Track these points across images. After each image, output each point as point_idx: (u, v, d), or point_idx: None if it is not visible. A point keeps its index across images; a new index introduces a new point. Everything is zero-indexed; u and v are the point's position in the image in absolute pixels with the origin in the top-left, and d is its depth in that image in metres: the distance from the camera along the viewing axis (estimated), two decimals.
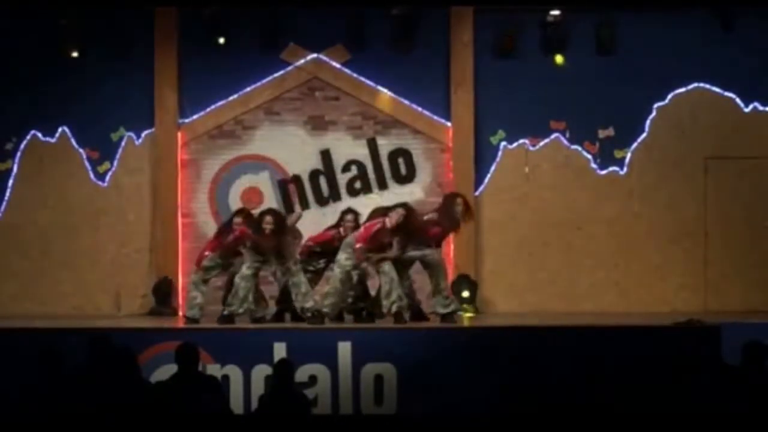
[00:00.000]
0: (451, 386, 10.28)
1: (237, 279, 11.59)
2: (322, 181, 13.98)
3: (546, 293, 13.86)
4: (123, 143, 14.04)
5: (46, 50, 13.73)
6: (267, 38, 13.71)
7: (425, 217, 11.78)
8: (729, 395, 8.32)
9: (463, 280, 13.50)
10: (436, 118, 13.95)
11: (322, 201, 13.99)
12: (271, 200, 13.82)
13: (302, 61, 14.00)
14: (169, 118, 13.93)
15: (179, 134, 13.98)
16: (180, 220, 13.93)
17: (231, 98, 13.97)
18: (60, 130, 14.00)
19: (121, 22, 13.58)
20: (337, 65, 13.99)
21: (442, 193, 13.52)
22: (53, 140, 14.03)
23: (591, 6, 13.63)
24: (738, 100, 14.00)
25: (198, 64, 13.84)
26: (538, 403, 9.72)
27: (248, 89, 13.97)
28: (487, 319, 12.95)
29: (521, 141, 14.06)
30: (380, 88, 13.91)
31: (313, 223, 13.89)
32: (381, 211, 11.77)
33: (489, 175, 14.04)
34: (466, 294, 13.35)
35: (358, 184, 13.94)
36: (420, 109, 13.95)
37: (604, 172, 14.04)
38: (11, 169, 14.01)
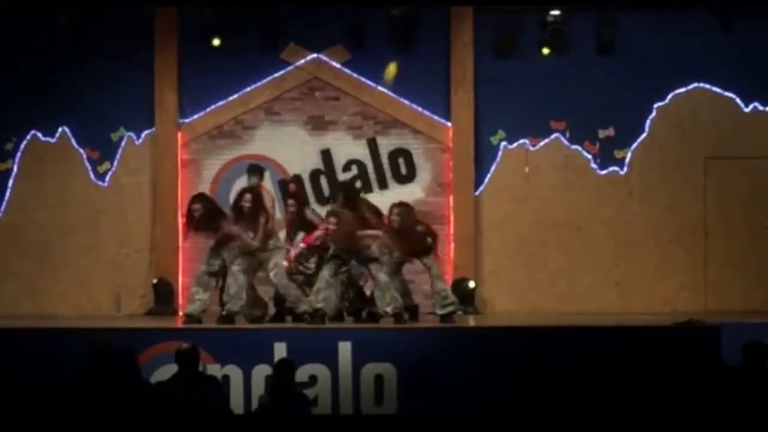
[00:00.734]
0: (451, 386, 10.27)
1: (228, 278, 11.43)
2: (323, 181, 13.98)
3: (546, 293, 13.86)
4: (123, 143, 14.04)
5: (46, 50, 13.73)
6: (267, 38, 13.71)
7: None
8: (729, 395, 8.32)
9: (463, 281, 13.52)
10: (436, 118, 13.95)
11: (322, 201, 13.99)
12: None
13: (302, 61, 14.01)
14: (169, 118, 13.93)
15: (179, 134, 13.98)
16: (180, 220, 13.94)
17: (231, 98, 13.97)
18: (60, 130, 14.00)
19: (121, 22, 13.57)
20: (337, 65, 13.99)
21: (442, 194, 13.55)
22: (53, 140, 14.03)
23: (591, 6, 13.63)
24: (738, 100, 14.00)
25: (198, 64, 13.84)
26: (538, 403, 9.71)
27: (248, 89, 13.97)
28: (487, 319, 12.96)
29: (521, 141, 14.07)
30: (382, 83, 13.92)
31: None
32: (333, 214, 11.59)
33: (489, 175, 14.04)
34: (471, 284, 13.34)
35: (358, 184, 13.93)
36: (420, 109, 13.95)
37: (604, 172, 14.04)
38: (11, 169, 14.01)
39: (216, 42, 13.59)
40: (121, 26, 13.61)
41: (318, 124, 14.06)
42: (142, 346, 10.06)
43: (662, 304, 13.67)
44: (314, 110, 14.07)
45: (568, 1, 13.49)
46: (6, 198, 13.99)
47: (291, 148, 14.01)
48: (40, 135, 14.02)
